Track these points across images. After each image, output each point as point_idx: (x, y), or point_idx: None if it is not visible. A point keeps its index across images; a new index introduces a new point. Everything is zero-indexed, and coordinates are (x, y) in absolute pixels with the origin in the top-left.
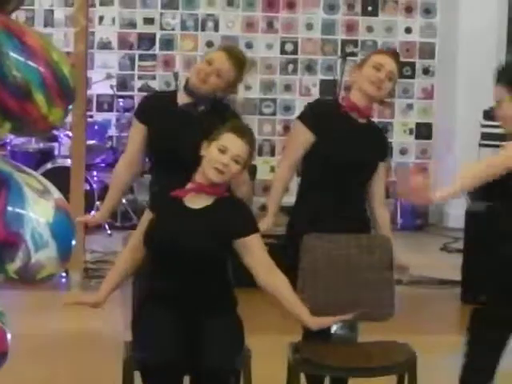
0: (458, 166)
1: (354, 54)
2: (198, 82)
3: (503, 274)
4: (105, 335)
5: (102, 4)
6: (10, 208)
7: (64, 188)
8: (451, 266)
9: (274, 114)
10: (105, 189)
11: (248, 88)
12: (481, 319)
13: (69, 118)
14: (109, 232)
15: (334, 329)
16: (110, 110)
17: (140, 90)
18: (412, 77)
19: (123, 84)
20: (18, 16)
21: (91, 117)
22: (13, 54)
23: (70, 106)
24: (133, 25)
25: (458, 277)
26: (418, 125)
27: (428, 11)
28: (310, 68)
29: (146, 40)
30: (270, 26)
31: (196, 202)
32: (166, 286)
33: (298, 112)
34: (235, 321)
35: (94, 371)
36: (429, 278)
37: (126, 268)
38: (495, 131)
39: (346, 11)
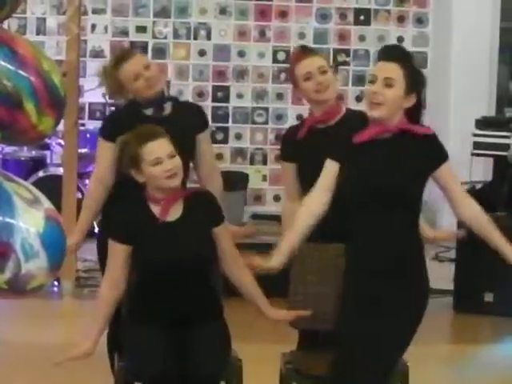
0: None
1: (346, 64)
2: (147, 90)
3: None
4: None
5: (94, 12)
6: None
7: (56, 196)
8: (443, 276)
9: (266, 122)
10: None
11: (240, 96)
12: None
13: (61, 127)
14: None
15: None
16: (103, 118)
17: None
18: None
19: None
20: (11, 24)
21: (83, 125)
22: (3, 63)
23: (61, 115)
24: (125, 33)
25: (450, 286)
26: None
27: (420, 21)
28: None
29: (139, 48)
30: (263, 34)
31: (169, 214)
32: (155, 301)
33: (290, 121)
34: (222, 327)
35: (83, 382)
36: None
37: (110, 310)
38: (487, 140)
39: (338, 20)
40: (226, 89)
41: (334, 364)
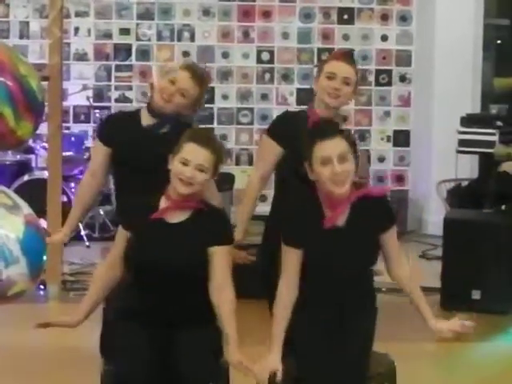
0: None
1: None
2: (161, 101)
3: None
4: (83, 349)
5: (77, 15)
6: None
7: (41, 200)
8: (430, 274)
9: (251, 123)
10: None
11: (225, 98)
12: None
13: (45, 130)
14: (87, 244)
15: None
16: (87, 121)
17: (117, 100)
18: (389, 84)
19: (100, 95)
20: None
21: (68, 128)
22: None
23: (40, 120)
24: (108, 36)
25: (437, 284)
26: (395, 132)
27: (404, 19)
28: (286, 77)
29: (122, 51)
30: (246, 35)
31: (174, 215)
32: (143, 301)
33: None
34: (212, 333)
35: None
36: None
37: (103, 286)
38: (473, 138)
39: (321, 20)
40: (211, 90)
41: None
